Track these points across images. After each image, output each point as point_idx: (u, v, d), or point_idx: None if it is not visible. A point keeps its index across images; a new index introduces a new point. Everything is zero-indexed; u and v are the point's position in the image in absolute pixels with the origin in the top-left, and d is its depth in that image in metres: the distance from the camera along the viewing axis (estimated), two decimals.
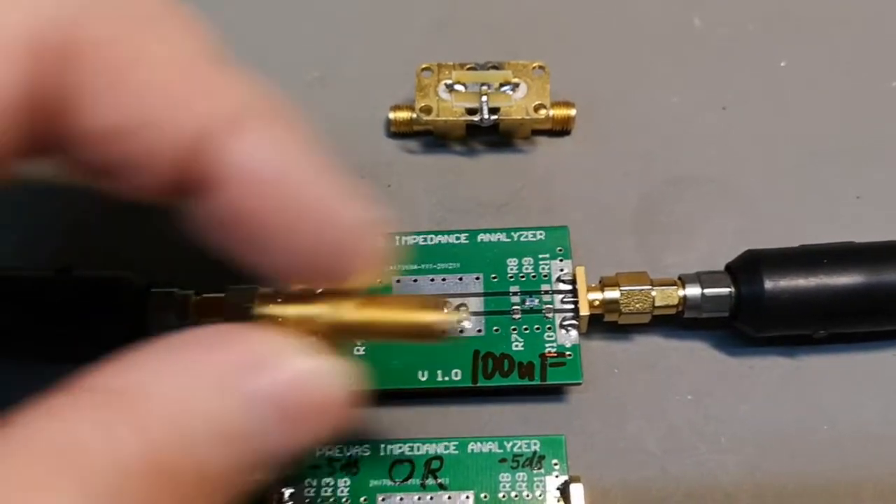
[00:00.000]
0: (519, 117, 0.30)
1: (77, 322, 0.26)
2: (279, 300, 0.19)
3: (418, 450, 0.26)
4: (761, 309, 0.26)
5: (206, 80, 0.16)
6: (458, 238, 0.29)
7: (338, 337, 0.18)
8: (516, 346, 0.27)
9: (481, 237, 0.29)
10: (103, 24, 0.15)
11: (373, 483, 0.25)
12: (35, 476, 0.13)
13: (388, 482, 0.25)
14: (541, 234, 0.29)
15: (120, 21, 0.15)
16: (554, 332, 0.27)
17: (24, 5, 0.14)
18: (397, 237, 0.29)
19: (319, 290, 0.19)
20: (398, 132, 0.32)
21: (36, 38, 0.14)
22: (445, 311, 0.19)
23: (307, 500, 0.25)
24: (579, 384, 0.26)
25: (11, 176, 0.16)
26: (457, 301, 0.27)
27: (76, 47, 0.15)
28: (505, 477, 0.25)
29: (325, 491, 0.25)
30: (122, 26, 0.15)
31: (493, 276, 0.28)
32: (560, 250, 0.28)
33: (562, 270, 0.28)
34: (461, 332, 0.27)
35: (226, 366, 0.16)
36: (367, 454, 0.26)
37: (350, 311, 0.18)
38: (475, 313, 0.27)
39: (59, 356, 0.27)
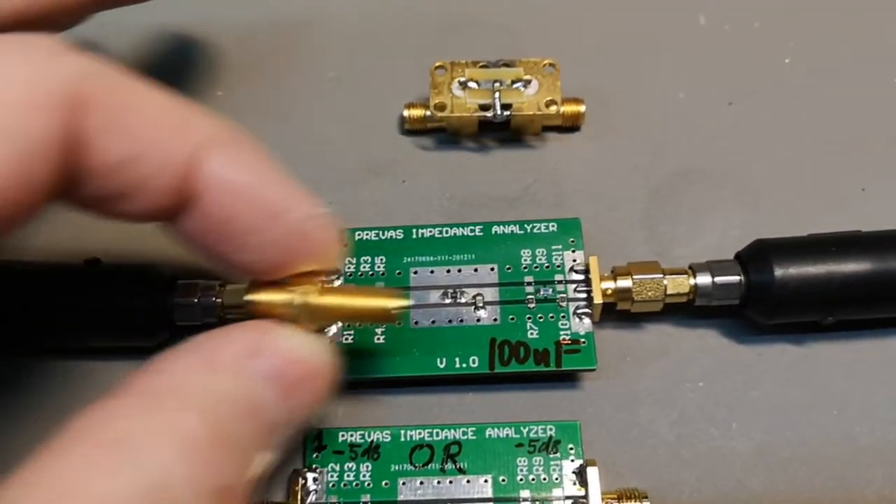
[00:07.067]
0: (530, 113, 0.31)
1: (106, 310, 0.27)
2: (262, 290, 0.22)
3: (437, 435, 0.26)
4: (771, 296, 0.26)
5: (182, 118, 0.20)
6: (472, 230, 0.29)
7: (311, 319, 0.22)
8: (531, 333, 0.27)
9: (495, 229, 0.29)
10: (102, 81, 0.19)
11: (393, 468, 0.26)
12: (98, 461, 0.16)
13: (409, 467, 0.26)
14: (553, 226, 0.29)
15: (112, 80, 0.19)
16: (568, 320, 0.27)
17: (63, 63, 0.18)
18: (413, 230, 0.30)
19: (289, 279, 0.22)
20: (412, 129, 0.33)
21: (69, 91, 0.18)
22: (398, 299, 0.23)
23: (331, 485, 0.26)
24: (593, 370, 0.27)
25: (35, 214, 0.18)
26: (472, 291, 0.28)
27: (87, 99, 0.18)
28: (522, 461, 0.26)
29: (348, 475, 0.26)
30: (114, 84, 0.19)
31: (508, 266, 0.29)
32: (572, 241, 0.29)
33: (574, 261, 0.29)
34: (478, 320, 0.28)
35: (234, 357, 0.20)
36: (387, 440, 0.26)
37: (318, 297, 0.22)
38: (491, 303, 0.28)
39: (85, 341, 0.28)
